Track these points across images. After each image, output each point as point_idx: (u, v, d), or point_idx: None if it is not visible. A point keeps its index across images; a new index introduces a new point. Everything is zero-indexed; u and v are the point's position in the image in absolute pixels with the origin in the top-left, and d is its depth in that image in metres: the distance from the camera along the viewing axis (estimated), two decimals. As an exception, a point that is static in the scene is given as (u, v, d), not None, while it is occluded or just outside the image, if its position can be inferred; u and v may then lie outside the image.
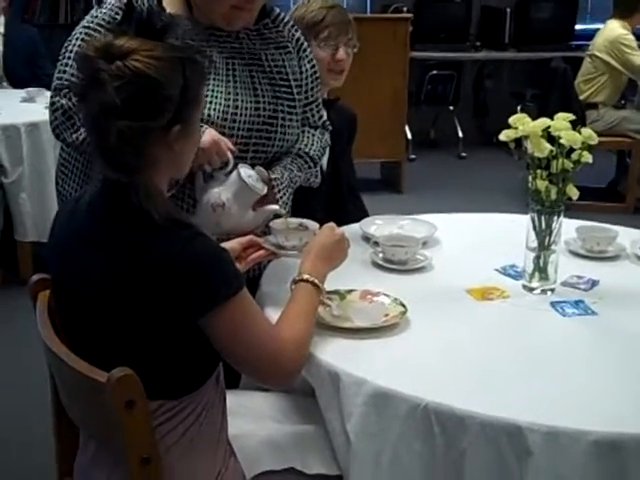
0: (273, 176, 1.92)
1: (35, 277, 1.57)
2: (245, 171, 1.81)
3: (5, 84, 4.99)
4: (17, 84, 4.85)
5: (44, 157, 3.87)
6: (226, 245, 1.67)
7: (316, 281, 1.59)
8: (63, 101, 1.85)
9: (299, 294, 1.58)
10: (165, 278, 1.31)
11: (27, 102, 4.32)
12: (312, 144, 2.08)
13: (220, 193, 1.79)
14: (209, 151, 1.77)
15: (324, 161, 2.45)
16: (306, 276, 1.59)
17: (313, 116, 2.10)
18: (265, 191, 1.83)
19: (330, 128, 2.18)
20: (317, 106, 2.11)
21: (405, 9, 6.38)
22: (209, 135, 1.78)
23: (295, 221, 1.89)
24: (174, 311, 1.33)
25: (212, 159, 1.79)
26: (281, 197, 1.92)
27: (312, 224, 1.86)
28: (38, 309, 1.53)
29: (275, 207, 1.86)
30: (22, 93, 4.43)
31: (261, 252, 1.79)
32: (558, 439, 1.29)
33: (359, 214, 2.41)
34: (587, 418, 1.33)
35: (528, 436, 1.30)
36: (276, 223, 1.86)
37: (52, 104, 1.88)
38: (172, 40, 1.35)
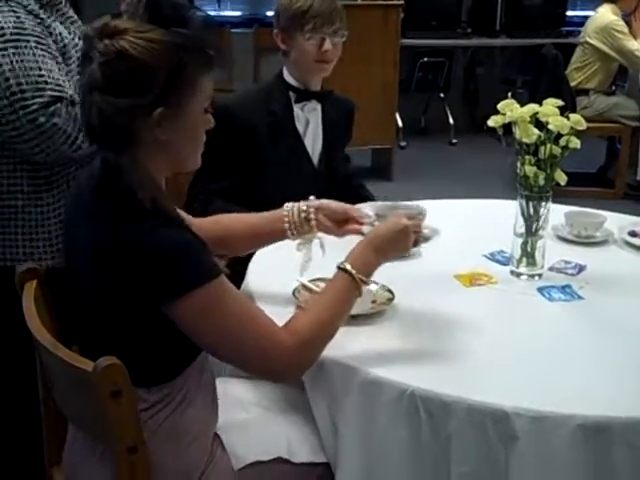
0: None
1: (24, 266, 1.57)
2: None
3: None
4: None
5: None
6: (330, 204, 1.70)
7: (355, 273, 1.47)
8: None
9: (332, 285, 1.49)
10: (131, 262, 1.31)
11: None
12: None
13: None
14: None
15: (317, 149, 2.44)
16: (348, 266, 1.48)
17: None
18: None
19: None
20: None
21: (396, -4, 6.36)
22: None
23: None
24: (140, 296, 1.33)
25: None
26: None
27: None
28: (24, 299, 1.53)
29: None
30: None
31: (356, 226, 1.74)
32: (544, 423, 1.30)
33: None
34: (572, 402, 1.34)
35: (514, 420, 1.30)
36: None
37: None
38: (178, 28, 1.35)
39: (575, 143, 1.76)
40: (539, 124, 1.76)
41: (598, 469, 1.30)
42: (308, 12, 2.29)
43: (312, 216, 1.73)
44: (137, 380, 1.36)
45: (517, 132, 1.78)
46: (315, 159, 2.44)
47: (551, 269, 1.90)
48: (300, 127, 2.40)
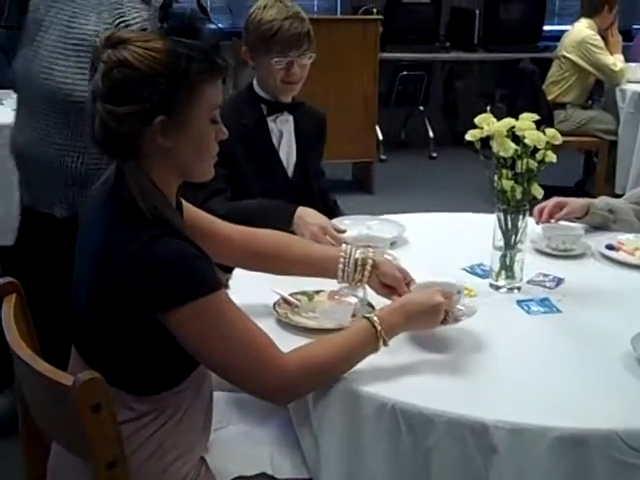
0: None
1: (1, 280, 1.57)
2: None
3: None
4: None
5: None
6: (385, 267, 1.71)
7: (380, 330, 1.45)
8: None
9: (354, 331, 1.47)
10: (124, 269, 1.33)
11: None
12: None
13: None
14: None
15: (291, 160, 2.45)
16: (376, 320, 1.46)
17: None
18: None
19: None
20: None
21: (375, 10, 6.39)
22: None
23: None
24: (131, 303, 1.33)
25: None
26: None
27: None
28: (4, 313, 1.52)
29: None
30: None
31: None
32: (522, 436, 1.31)
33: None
34: (551, 415, 1.35)
35: (493, 433, 1.31)
36: None
37: None
38: (182, 38, 1.38)
39: (551, 157, 1.78)
40: (516, 138, 1.77)
41: (576, 481, 1.31)
42: (275, 36, 2.26)
43: (367, 273, 1.71)
44: (127, 387, 1.37)
45: (494, 146, 1.79)
46: (290, 170, 2.45)
47: (530, 282, 1.92)
48: (274, 139, 2.41)
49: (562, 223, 2.24)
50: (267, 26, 2.27)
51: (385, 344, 1.46)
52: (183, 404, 1.45)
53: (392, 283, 1.71)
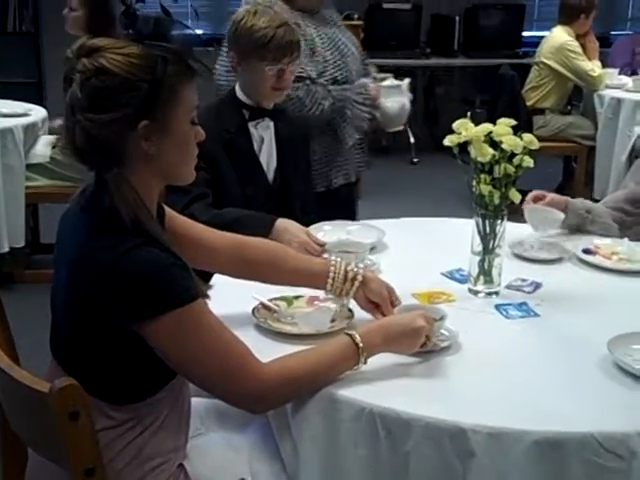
0: None
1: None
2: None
3: None
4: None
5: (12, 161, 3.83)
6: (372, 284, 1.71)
7: (361, 348, 1.45)
8: None
9: (334, 345, 1.47)
10: (101, 278, 1.32)
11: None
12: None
13: None
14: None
15: (272, 166, 2.45)
16: (357, 338, 1.46)
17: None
18: None
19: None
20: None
21: (356, 16, 6.41)
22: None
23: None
24: (107, 313, 1.33)
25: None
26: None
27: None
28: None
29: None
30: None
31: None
32: (500, 439, 1.32)
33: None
34: (528, 418, 1.36)
35: (471, 437, 1.32)
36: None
37: None
38: (156, 42, 1.38)
39: (528, 162, 1.79)
40: (494, 143, 1.79)
41: (553, 484, 1.32)
42: (270, 43, 2.28)
43: (355, 287, 1.71)
44: (104, 396, 1.36)
45: (472, 151, 1.80)
46: (270, 176, 2.45)
47: (508, 287, 1.93)
48: (255, 144, 2.41)
49: (544, 207, 2.26)
50: (261, 33, 2.28)
51: (364, 362, 1.47)
52: (161, 412, 1.45)
53: (378, 300, 1.71)
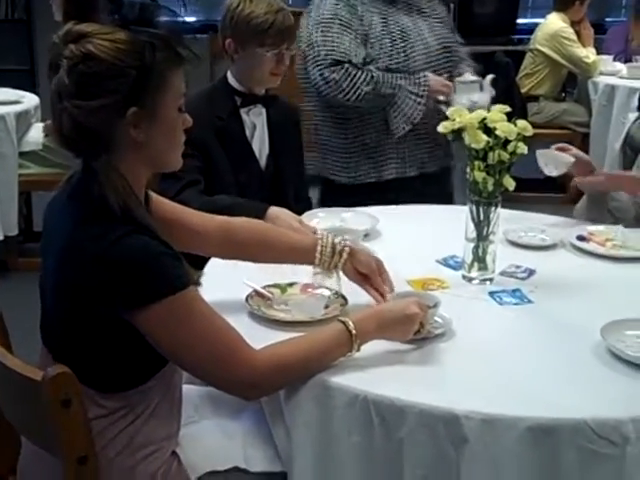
0: None
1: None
2: None
3: None
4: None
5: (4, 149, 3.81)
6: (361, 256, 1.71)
7: (354, 335, 1.44)
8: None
9: (327, 332, 1.47)
10: (91, 266, 1.31)
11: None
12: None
13: None
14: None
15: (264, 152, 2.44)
16: (351, 325, 1.45)
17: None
18: None
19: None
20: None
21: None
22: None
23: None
24: (96, 301, 1.33)
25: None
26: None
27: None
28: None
29: None
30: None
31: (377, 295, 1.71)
32: (493, 426, 1.32)
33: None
34: (522, 405, 1.36)
35: (464, 424, 1.32)
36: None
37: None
38: (142, 28, 1.37)
39: (522, 149, 1.79)
40: (488, 130, 1.78)
41: (546, 470, 1.32)
42: (270, 28, 2.30)
43: (343, 259, 1.72)
44: (95, 384, 1.35)
45: (466, 138, 1.80)
46: (262, 162, 2.44)
47: (502, 274, 1.93)
48: (247, 131, 2.41)
49: (556, 152, 2.28)
50: (261, 19, 2.29)
51: (357, 349, 1.46)
52: (153, 400, 1.44)
53: (366, 271, 1.72)
